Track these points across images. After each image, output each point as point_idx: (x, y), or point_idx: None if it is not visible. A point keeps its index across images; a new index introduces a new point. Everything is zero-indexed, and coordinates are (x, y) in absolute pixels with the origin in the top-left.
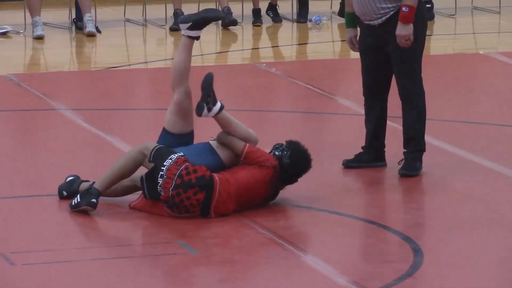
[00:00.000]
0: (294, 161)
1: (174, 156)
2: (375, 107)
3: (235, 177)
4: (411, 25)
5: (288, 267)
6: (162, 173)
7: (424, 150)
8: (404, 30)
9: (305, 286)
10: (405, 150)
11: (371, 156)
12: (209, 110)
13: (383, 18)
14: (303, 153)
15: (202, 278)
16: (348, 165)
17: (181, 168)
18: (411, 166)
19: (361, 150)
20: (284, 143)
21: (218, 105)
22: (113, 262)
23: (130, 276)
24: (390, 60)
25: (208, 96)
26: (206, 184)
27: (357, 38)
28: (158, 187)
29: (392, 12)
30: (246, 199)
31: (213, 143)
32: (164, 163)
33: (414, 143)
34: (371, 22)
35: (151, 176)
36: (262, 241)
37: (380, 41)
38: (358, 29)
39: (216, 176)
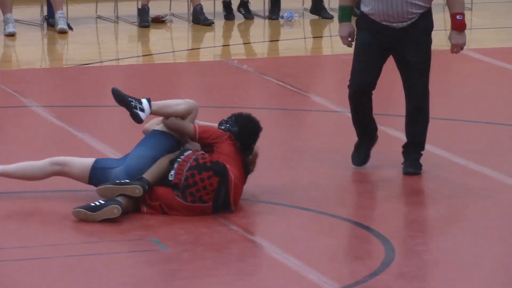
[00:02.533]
0: (241, 126)
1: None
2: (366, 106)
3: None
4: (465, 33)
5: (259, 264)
6: (179, 159)
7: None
8: (461, 39)
9: (276, 282)
10: (406, 149)
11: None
12: (142, 110)
13: (408, 22)
14: (247, 117)
15: (174, 275)
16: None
17: (197, 153)
18: (417, 165)
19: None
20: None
21: (144, 100)
22: (85, 259)
23: (103, 273)
24: (398, 63)
25: (130, 102)
26: (220, 169)
27: (354, 33)
28: (170, 175)
29: (417, 17)
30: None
31: (160, 127)
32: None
33: (420, 146)
34: (393, 24)
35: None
36: (234, 238)
37: (395, 43)
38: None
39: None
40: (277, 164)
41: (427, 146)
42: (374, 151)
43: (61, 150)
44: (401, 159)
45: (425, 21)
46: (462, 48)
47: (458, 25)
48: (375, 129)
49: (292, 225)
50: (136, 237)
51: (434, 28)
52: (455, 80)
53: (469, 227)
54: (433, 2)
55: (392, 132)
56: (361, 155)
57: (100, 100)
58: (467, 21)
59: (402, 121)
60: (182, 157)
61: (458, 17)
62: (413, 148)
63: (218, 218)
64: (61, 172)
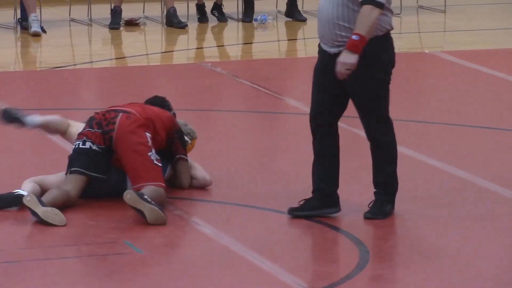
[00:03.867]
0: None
1: None
2: (326, 140)
3: None
4: (357, 56)
5: (234, 267)
6: None
7: (396, 192)
8: (348, 59)
9: (251, 285)
10: (376, 190)
11: (321, 202)
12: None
13: (341, 48)
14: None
15: (148, 278)
16: (295, 214)
17: None
18: (380, 211)
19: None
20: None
21: (29, 117)
22: (59, 262)
23: (76, 277)
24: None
25: (17, 119)
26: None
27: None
28: None
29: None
30: None
31: None
32: None
33: (383, 186)
34: (329, 49)
35: None
36: (207, 240)
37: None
38: None
39: None
40: (250, 167)
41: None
42: (346, 152)
43: (34, 152)
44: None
45: (372, 49)
46: (348, 70)
47: (350, 44)
48: (335, 186)
49: (267, 228)
50: (110, 240)
51: (407, 31)
52: (428, 81)
53: (443, 228)
54: (405, 5)
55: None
56: (303, 209)
57: (74, 103)
58: (440, 24)
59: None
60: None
61: (353, 37)
62: (379, 188)
63: (191, 220)
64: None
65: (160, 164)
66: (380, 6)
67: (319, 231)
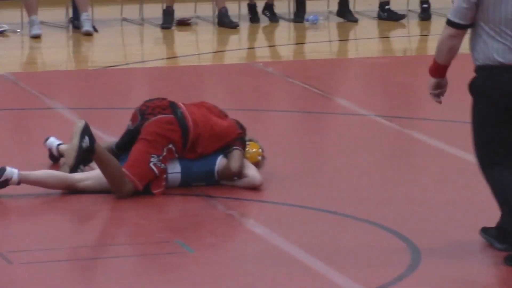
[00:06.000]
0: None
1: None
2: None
3: None
4: (432, 79)
5: (284, 267)
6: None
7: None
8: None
9: (304, 285)
10: None
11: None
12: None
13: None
14: None
15: (200, 278)
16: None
17: None
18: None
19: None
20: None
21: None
22: (110, 262)
23: (128, 276)
24: None
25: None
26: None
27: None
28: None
29: None
30: None
31: None
32: None
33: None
34: None
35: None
36: (258, 240)
37: None
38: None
39: None
40: (301, 168)
41: (453, 150)
42: (398, 153)
43: None
44: (428, 161)
45: (473, 78)
46: (432, 93)
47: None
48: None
49: (318, 228)
50: (161, 239)
51: None
52: None
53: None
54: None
55: (417, 135)
56: None
57: (125, 102)
58: None
59: (426, 124)
60: None
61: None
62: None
63: (243, 220)
64: (85, 187)
65: (155, 170)
66: (452, 25)
67: (370, 231)
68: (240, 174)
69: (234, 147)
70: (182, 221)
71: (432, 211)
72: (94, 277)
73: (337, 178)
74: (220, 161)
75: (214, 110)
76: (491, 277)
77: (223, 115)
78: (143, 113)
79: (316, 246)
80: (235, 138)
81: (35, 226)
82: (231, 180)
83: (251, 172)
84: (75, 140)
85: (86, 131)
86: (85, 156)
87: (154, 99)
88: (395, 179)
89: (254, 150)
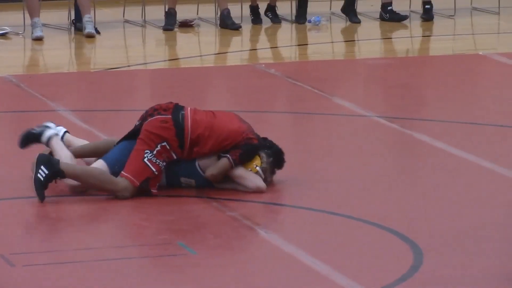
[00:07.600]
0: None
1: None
2: None
3: None
4: None
5: (287, 269)
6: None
7: None
8: None
9: (304, 287)
10: None
11: None
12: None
13: None
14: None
15: (201, 280)
16: None
17: None
18: None
19: None
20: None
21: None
22: (113, 263)
23: (131, 278)
24: None
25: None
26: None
27: None
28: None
29: None
30: None
31: None
32: None
33: None
34: None
35: None
36: (262, 242)
37: None
38: None
39: None
40: (303, 169)
41: (452, 150)
42: (400, 154)
43: None
44: (430, 162)
45: None
46: None
47: None
48: None
49: (320, 229)
50: (163, 241)
51: (461, 33)
52: (481, 83)
53: (498, 233)
54: (459, 7)
55: (420, 136)
56: None
57: (128, 104)
58: (494, 26)
59: (428, 125)
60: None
61: None
62: None
63: (245, 221)
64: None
65: (150, 165)
66: None
67: (372, 232)
68: (213, 181)
69: (224, 155)
70: (185, 223)
71: (434, 212)
72: (97, 279)
73: (339, 179)
74: (207, 158)
75: (224, 114)
76: (493, 277)
77: (235, 120)
78: (145, 114)
79: (318, 247)
80: (238, 144)
81: (37, 228)
82: (224, 183)
83: (251, 184)
84: (33, 173)
85: (40, 162)
86: (50, 181)
87: (165, 103)
88: (398, 180)
89: (254, 162)
